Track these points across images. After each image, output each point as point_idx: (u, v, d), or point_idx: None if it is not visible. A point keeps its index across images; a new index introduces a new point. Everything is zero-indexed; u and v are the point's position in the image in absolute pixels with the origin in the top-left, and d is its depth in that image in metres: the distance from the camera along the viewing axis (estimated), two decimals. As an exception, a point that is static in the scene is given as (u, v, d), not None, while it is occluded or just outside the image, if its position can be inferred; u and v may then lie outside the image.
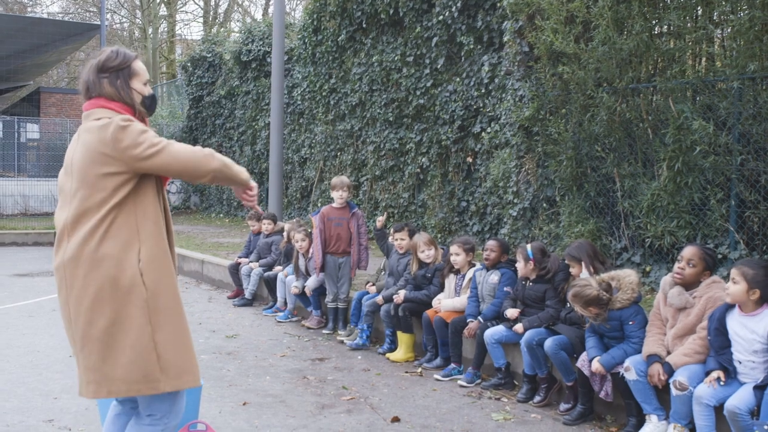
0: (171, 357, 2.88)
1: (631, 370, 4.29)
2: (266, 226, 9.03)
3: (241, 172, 3.14)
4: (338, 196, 7.13)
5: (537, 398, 5.03)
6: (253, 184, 3.23)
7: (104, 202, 2.82)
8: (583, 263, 4.98)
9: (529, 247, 5.45)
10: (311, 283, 7.47)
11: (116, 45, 3.15)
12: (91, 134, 2.86)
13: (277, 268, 8.38)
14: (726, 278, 5.03)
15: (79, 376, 2.94)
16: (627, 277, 4.61)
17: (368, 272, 8.00)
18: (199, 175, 2.93)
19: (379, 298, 6.49)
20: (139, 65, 3.04)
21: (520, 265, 5.43)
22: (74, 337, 2.89)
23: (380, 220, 7.08)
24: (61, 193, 2.96)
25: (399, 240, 6.72)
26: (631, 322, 4.52)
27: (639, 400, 4.32)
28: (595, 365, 4.50)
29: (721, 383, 3.95)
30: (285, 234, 8.33)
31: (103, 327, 2.80)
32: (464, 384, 5.46)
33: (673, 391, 4.07)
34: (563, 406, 4.86)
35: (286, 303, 7.97)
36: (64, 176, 2.96)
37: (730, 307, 4.06)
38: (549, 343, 4.85)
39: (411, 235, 6.75)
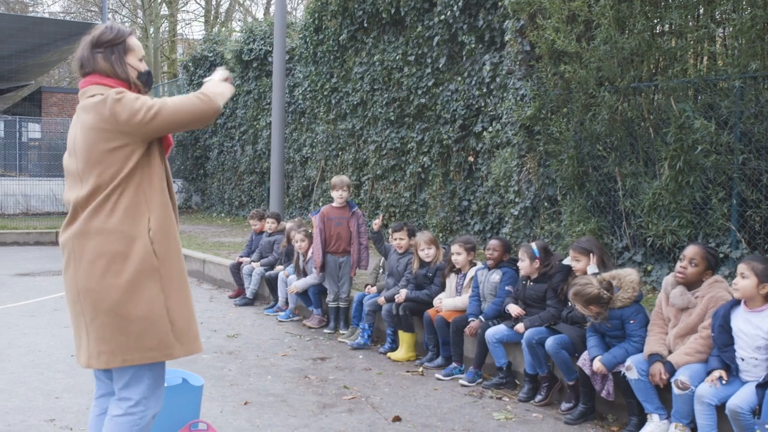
0: (183, 324, 2.95)
1: (632, 369, 4.29)
2: (269, 224, 9.03)
3: (227, 89, 3.08)
4: (338, 196, 7.15)
5: (538, 397, 5.03)
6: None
7: (114, 176, 2.83)
8: (592, 255, 4.97)
9: (534, 245, 5.45)
10: (300, 283, 7.49)
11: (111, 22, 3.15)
12: (88, 113, 2.86)
13: (278, 267, 8.38)
14: (727, 277, 5.04)
15: (87, 349, 2.90)
16: (628, 276, 4.61)
17: (367, 272, 8.00)
18: (208, 118, 2.93)
19: (381, 299, 6.48)
20: (133, 41, 3.02)
21: (524, 264, 5.41)
22: (83, 310, 2.87)
23: (376, 222, 7.07)
24: (68, 174, 2.97)
25: (398, 240, 6.72)
26: (632, 321, 4.52)
27: (640, 400, 4.32)
28: (597, 365, 4.49)
29: (723, 382, 3.95)
30: (285, 234, 8.33)
31: (116, 297, 2.81)
32: (465, 383, 5.45)
33: (675, 390, 4.07)
34: (564, 406, 4.86)
35: (287, 302, 7.97)
36: (68, 158, 2.97)
37: (735, 304, 4.06)
38: (550, 342, 4.85)
39: (410, 234, 6.75)
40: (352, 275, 7.21)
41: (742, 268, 3.99)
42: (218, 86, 3.01)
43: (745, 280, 3.96)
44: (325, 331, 7.27)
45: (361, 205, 12.04)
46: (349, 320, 7.14)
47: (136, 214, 2.85)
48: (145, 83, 3.06)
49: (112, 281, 2.81)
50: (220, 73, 3.10)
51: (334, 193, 7.19)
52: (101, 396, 3.13)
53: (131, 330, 2.84)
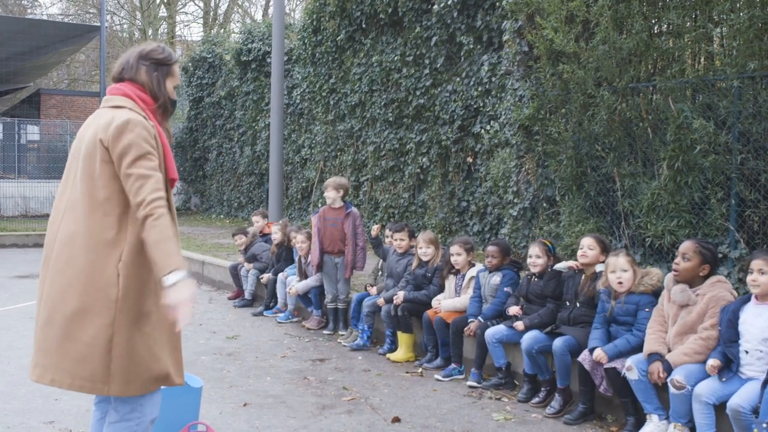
0: (125, 363, 2.79)
1: (633, 369, 4.29)
2: (275, 235, 9.01)
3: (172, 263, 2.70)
4: (327, 197, 7.22)
5: (536, 399, 5.03)
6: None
7: (99, 190, 2.80)
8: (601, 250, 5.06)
9: (547, 242, 5.55)
10: (300, 285, 7.51)
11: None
12: (100, 118, 2.87)
13: (265, 276, 8.36)
14: (727, 277, 5.04)
15: (34, 359, 2.89)
16: (656, 271, 4.76)
17: (366, 273, 8.01)
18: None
19: (380, 300, 6.48)
20: (177, 69, 3.07)
21: (541, 261, 5.41)
22: (40, 314, 2.87)
23: (375, 229, 7.05)
24: (68, 169, 2.96)
25: (399, 240, 6.72)
26: (647, 309, 4.57)
27: (640, 400, 4.33)
28: (598, 353, 4.50)
29: (723, 380, 3.96)
30: (276, 236, 8.37)
31: (68, 314, 2.77)
32: (474, 384, 5.44)
33: (671, 390, 4.08)
34: (550, 409, 4.84)
35: (286, 304, 7.97)
36: (72, 156, 2.97)
37: (746, 300, 4.08)
38: (558, 343, 4.82)
39: (411, 235, 6.77)
40: (346, 276, 7.19)
41: (760, 264, 3.98)
42: (167, 253, 2.70)
43: (765, 276, 3.96)
44: (325, 332, 7.27)
45: (360, 206, 12.04)
46: (348, 321, 7.14)
47: (112, 241, 2.79)
48: (170, 110, 3.09)
49: (69, 296, 2.77)
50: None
51: (325, 194, 7.27)
52: (101, 401, 3.12)
53: (69, 352, 2.78)
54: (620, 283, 4.66)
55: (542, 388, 5.05)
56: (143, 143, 2.79)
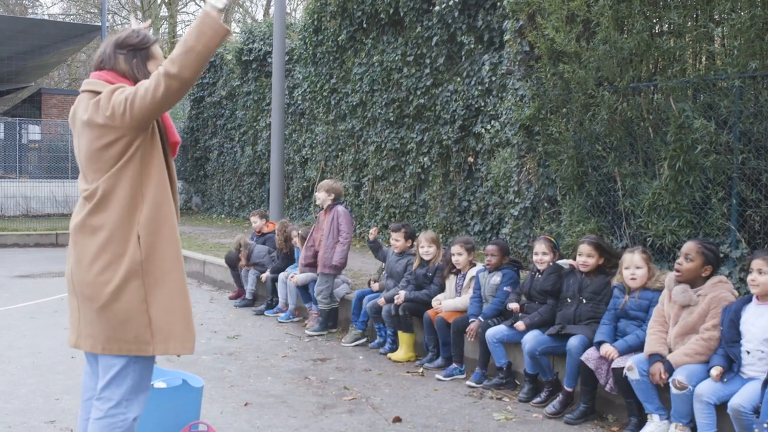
0: (161, 321, 2.87)
1: (634, 369, 4.29)
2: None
3: (209, 31, 2.67)
4: (317, 197, 7.26)
5: (537, 399, 5.02)
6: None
7: (109, 170, 2.85)
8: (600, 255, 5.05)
9: (552, 239, 5.55)
10: (301, 277, 7.55)
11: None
12: (84, 107, 2.89)
13: (265, 275, 8.38)
14: (729, 276, 5.04)
15: (77, 329, 2.96)
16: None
17: (367, 271, 8.00)
18: (177, 93, 2.70)
19: (381, 299, 6.48)
20: (157, 49, 3.05)
21: (548, 258, 5.41)
22: (76, 290, 2.94)
23: (372, 232, 7.03)
24: (78, 164, 3.01)
25: (394, 240, 6.76)
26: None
27: (641, 400, 4.32)
28: (607, 348, 4.50)
29: (724, 380, 3.96)
30: (278, 238, 8.39)
31: (100, 286, 2.84)
32: (473, 384, 5.44)
33: (673, 390, 4.08)
34: (551, 408, 4.82)
35: (287, 304, 7.97)
36: (76, 150, 3.00)
37: (747, 300, 4.07)
38: (574, 342, 4.77)
39: (407, 236, 6.77)
40: (321, 272, 7.08)
41: (760, 264, 3.98)
42: (191, 36, 2.67)
43: (764, 276, 3.96)
44: (308, 332, 7.24)
45: (361, 206, 12.04)
46: (336, 322, 7.16)
47: (130, 208, 2.86)
48: None
49: (106, 278, 2.84)
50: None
51: (315, 194, 7.28)
52: (89, 399, 3.14)
53: (111, 320, 2.86)
54: (633, 279, 4.67)
55: (545, 389, 5.04)
56: (122, 93, 2.79)
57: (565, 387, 4.84)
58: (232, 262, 8.95)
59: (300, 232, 7.89)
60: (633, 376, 4.30)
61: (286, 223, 8.67)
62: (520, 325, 5.20)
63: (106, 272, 2.84)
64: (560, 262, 5.34)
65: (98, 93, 2.87)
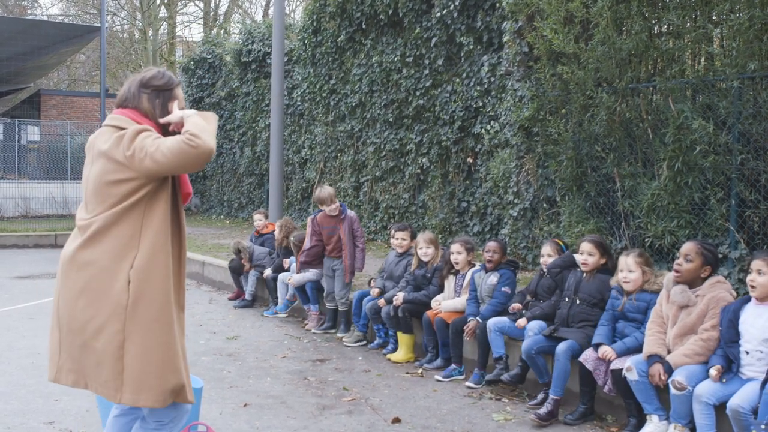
0: (135, 371, 2.81)
1: (633, 370, 4.29)
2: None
3: (210, 120, 2.94)
4: (330, 210, 7.13)
5: (533, 401, 5.00)
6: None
7: (112, 207, 2.84)
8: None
9: (560, 241, 5.61)
10: (299, 277, 7.55)
11: (163, 68, 3.16)
12: (106, 140, 2.88)
13: (267, 271, 8.38)
14: (727, 277, 5.05)
15: (59, 363, 2.93)
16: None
17: (367, 271, 8.00)
18: (202, 162, 2.79)
19: (381, 300, 6.47)
20: (179, 92, 3.09)
21: (552, 260, 5.44)
22: (60, 323, 2.92)
23: (375, 292, 6.79)
24: (82, 191, 3.01)
25: (400, 240, 6.75)
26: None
27: (640, 400, 4.32)
28: (606, 350, 4.50)
29: (723, 381, 3.96)
30: (278, 235, 8.39)
31: (83, 322, 2.83)
32: (472, 385, 5.44)
33: (672, 391, 4.08)
34: (539, 412, 4.74)
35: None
36: (83, 179, 3.01)
37: (746, 300, 4.08)
38: (562, 348, 4.77)
39: (413, 236, 6.79)
40: (346, 281, 7.17)
41: (759, 264, 3.98)
42: (201, 122, 2.86)
43: (763, 277, 3.96)
44: (315, 331, 7.26)
45: (360, 206, 12.04)
46: (350, 322, 7.13)
47: (124, 249, 2.83)
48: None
49: (89, 315, 2.82)
50: (182, 112, 2.97)
51: (325, 208, 7.17)
52: (124, 412, 3.15)
53: (91, 359, 2.84)
54: (626, 282, 4.68)
55: (542, 389, 5.03)
56: (146, 138, 2.82)
57: (551, 394, 4.76)
58: (238, 270, 8.93)
59: (293, 238, 7.93)
60: (632, 377, 4.30)
61: (290, 221, 8.68)
62: (521, 321, 5.21)
63: (89, 309, 2.82)
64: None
65: (123, 129, 2.87)
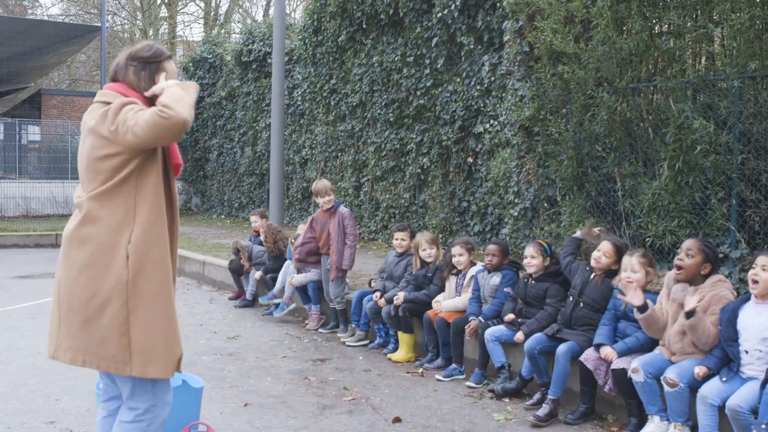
0: (142, 343, 2.85)
1: (639, 371, 4.28)
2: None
3: (188, 90, 2.86)
4: (323, 202, 7.15)
5: (531, 401, 4.99)
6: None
7: (104, 183, 2.85)
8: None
9: (544, 242, 5.54)
10: (300, 277, 7.55)
11: (155, 42, 3.14)
12: (93, 117, 2.90)
13: (258, 273, 8.38)
14: (728, 277, 5.04)
15: (56, 341, 2.95)
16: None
17: (367, 271, 8.00)
18: (175, 133, 2.74)
19: (381, 301, 6.47)
20: (169, 65, 3.04)
21: (536, 261, 5.40)
22: (61, 300, 2.94)
23: (381, 301, 6.68)
24: (79, 171, 3.02)
25: (400, 240, 6.74)
26: None
27: (644, 401, 4.32)
28: (607, 351, 4.50)
29: (723, 380, 3.96)
30: (262, 235, 8.40)
31: (85, 300, 2.85)
32: (473, 385, 5.43)
33: (666, 388, 4.10)
34: (533, 417, 4.72)
35: (283, 291, 7.90)
36: (78, 157, 3.02)
37: (745, 299, 4.07)
38: (563, 349, 4.76)
39: (412, 236, 6.78)
40: (331, 278, 7.10)
41: (764, 260, 3.97)
42: (178, 92, 2.82)
43: (767, 273, 3.96)
44: (321, 330, 7.27)
45: (361, 206, 12.04)
46: (348, 320, 7.13)
47: (121, 225, 2.85)
48: None
49: (90, 292, 2.84)
50: (163, 83, 2.92)
51: (319, 200, 7.19)
52: (109, 399, 3.15)
53: (94, 335, 2.85)
54: (629, 282, 4.66)
55: (539, 390, 5.01)
56: (129, 111, 2.80)
57: (550, 395, 4.75)
58: (237, 270, 8.93)
59: (293, 239, 7.94)
60: (638, 378, 4.29)
61: (273, 225, 8.68)
62: (519, 336, 5.18)
63: (91, 286, 2.84)
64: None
65: (109, 103, 2.87)
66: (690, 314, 4.12)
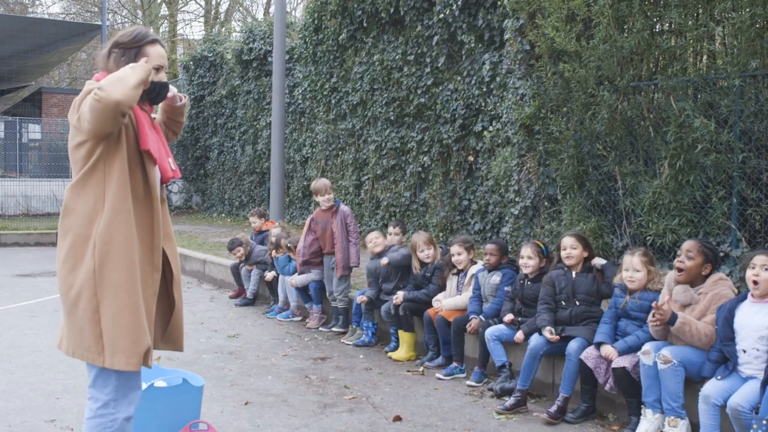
0: (110, 334, 2.83)
1: (650, 353, 4.26)
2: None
3: (134, 70, 2.77)
4: (323, 200, 7.17)
5: (502, 405, 4.96)
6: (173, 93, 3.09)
7: (78, 172, 2.88)
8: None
9: (541, 243, 5.52)
10: (301, 278, 7.55)
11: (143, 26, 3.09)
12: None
13: (270, 274, 8.34)
14: (729, 275, 5.04)
15: (61, 332, 3.04)
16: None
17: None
18: (109, 114, 2.65)
19: (361, 297, 6.59)
20: (153, 49, 2.96)
21: (533, 262, 5.40)
22: (60, 295, 3.01)
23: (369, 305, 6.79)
24: None
25: (393, 236, 6.87)
26: None
27: (643, 387, 4.28)
28: (608, 350, 4.50)
29: (719, 378, 3.97)
30: (273, 242, 8.33)
31: (65, 291, 2.91)
32: (473, 383, 5.43)
33: (659, 366, 4.11)
34: (547, 414, 4.69)
35: (288, 302, 7.97)
36: None
37: (742, 298, 4.07)
38: (574, 346, 4.74)
39: (404, 232, 6.90)
40: (338, 275, 7.13)
41: (763, 260, 3.96)
42: (117, 73, 2.75)
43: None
44: (322, 329, 7.28)
45: (361, 204, 12.04)
46: (349, 320, 7.13)
47: (92, 214, 2.86)
48: (148, 95, 2.98)
49: (69, 283, 2.89)
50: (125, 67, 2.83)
51: (319, 198, 7.20)
52: None
53: (75, 326, 2.90)
54: (631, 281, 4.67)
55: (513, 395, 4.97)
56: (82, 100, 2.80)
57: (562, 392, 4.75)
58: (232, 245, 8.93)
59: (288, 242, 7.92)
60: (646, 360, 4.27)
61: (279, 234, 8.63)
62: (519, 336, 5.18)
63: (69, 276, 2.88)
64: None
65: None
66: (672, 321, 4.17)
